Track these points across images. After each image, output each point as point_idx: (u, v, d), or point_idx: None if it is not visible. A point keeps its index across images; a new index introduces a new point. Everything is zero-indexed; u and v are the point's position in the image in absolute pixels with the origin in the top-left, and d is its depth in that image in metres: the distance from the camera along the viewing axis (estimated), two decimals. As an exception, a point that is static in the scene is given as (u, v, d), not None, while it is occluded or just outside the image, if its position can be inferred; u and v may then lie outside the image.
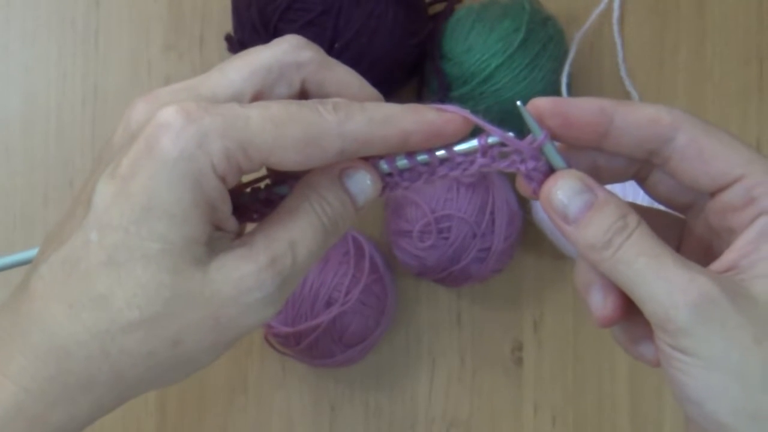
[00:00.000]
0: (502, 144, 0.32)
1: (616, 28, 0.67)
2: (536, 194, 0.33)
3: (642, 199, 0.35)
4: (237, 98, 0.31)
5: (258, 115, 0.29)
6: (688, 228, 0.34)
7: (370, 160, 0.33)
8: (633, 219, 0.31)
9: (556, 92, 0.60)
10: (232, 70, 0.32)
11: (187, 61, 0.66)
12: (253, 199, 0.34)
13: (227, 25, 0.63)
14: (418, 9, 0.61)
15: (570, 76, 0.60)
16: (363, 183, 0.32)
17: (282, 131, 0.29)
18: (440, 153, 0.32)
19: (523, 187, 0.33)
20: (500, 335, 0.66)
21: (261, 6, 0.58)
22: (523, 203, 0.62)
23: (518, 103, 0.31)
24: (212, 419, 0.65)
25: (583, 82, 0.66)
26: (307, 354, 0.60)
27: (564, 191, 0.31)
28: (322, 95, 0.33)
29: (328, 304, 0.58)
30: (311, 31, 0.57)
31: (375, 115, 0.31)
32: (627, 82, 0.67)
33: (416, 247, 0.59)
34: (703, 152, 0.31)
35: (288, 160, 0.30)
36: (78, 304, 0.30)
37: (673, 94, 0.67)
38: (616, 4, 0.67)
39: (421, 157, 0.32)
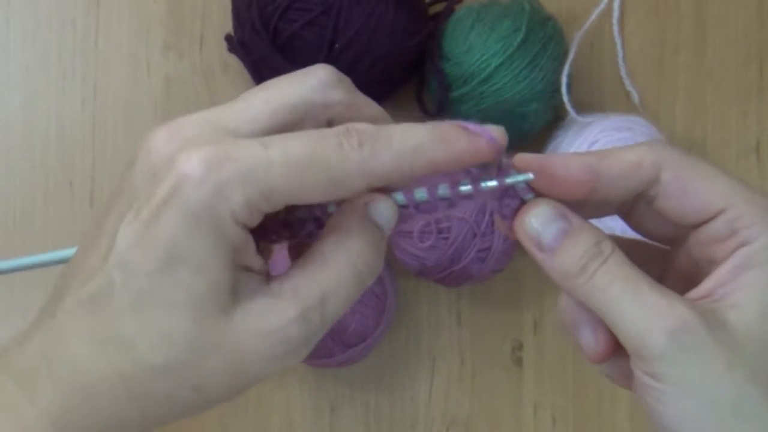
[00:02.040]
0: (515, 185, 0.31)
1: (616, 28, 0.67)
2: (511, 230, 0.32)
3: (622, 231, 0.35)
4: (260, 134, 0.30)
5: (280, 160, 0.28)
6: (670, 259, 0.34)
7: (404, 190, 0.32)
8: (607, 245, 0.30)
9: (556, 92, 0.60)
10: (258, 103, 0.31)
11: (187, 61, 0.66)
12: (276, 222, 0.33)
13: (227, 25, 0.63)
14: (418, 9, 0.61)
15: (570, 76, 0.60)
16: (387, 212, 0.32)
17: (304, 176, 0.28)
18: (465, 189, 0.31)
19: (500, 223, 0.33)
20: (500, 335, 0.66)
21: (261, 6, 0.58)
22: (523, 203, 0.62)
23: (503, 160, 0.31)
24: (212, 419, 0.65)
25: (583, 82, 0.66)
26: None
27: (538, 219, 0.31)
28: None
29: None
30: (311, 31, 0.57)
31: (402, 148, 0.29)
32: (627, 82, 0.67)
33: (416, 247, 0.59)
34: (687, 188, 0.31)
35: (310, 200, 0.30)
36: (105, 343, 0.29)
37: (673, 94, 0.67)
38: (616, 4, 0.66)
39: (442, 192, 0.31)
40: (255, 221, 0.29)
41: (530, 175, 0.31)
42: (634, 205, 0.33)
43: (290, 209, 0.33)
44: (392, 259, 0.63)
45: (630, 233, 0.35)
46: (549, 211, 0.31)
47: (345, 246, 0.31)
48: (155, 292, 0.29)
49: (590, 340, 0.33)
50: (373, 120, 0.31)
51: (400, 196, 0.32)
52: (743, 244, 0.30)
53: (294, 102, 0.31)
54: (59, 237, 0.65)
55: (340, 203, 0.32)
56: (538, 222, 0.31)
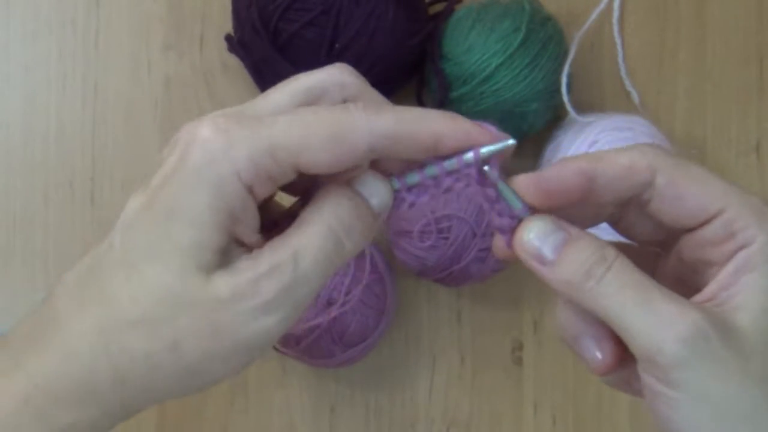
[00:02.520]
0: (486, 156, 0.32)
1: (616, 28, 0.67)
2: (510, 247, 0.33)
3: (610, 238, 0.35)
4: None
5: (284, 118, 0.29)
6: (659, 263, 0.34)
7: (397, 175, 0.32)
8: (610, 251, 0.30)
9: (556, 92, 0.60)
10: (275, 93, 0.32)
11: (187, 61, 0.66)
12: (282, 216, 0.33)
13: (227, 25, 0.63)
14: (418, 9, 0.61)
15: (570, 76, 0.60)
16: (373, 185, 0.32)
17: (308, 130, 0.29)
18: (450, 163, 0.32)
19: (499, 247, 0.33)
20: (500, 335, 0.66)
21: (261, 6, 0.58)
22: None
23: (498, 183, 0.31)
24: (212, 419, 0.65)
25: (583, 82, 0.66)
26: (307, 354, 0.60)
27: (536, 233, 0.31)
28: None
29: (329, 304, 0.58)
30: (311, 31, 0.57)
31: (405, 114, 0.30)
32: (627, 82, 0.67)
33: (416, 247, 0.59)
34: (681, 191, 0.31)
35: (317, 159, 0.29)
36: (89, 302, 0.30)
37: (673, 94, 0.67)
38: (616, 4, 0.67)
39: (431, 171, 0.32)
40: (262, 186, 0.30)
41: (510, 141, 0.31)
42: (623, 212, 0.33)
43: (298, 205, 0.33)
44: (392, 259, 0.63)
45: (618, 239, 0.35)
46: (546, 225, 0.31)
47: (319, 208, 0.31)
48: (147, 245, 0.29)
49: (594, 353, 0.33)
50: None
51: (393, 180, 0.32)
52: (742, 247, 0.30)
53: (310, 85, 0.32)
54: (59, 237, 0.65)
55: None
56: (536, 236, 0.31)
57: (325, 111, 0.30)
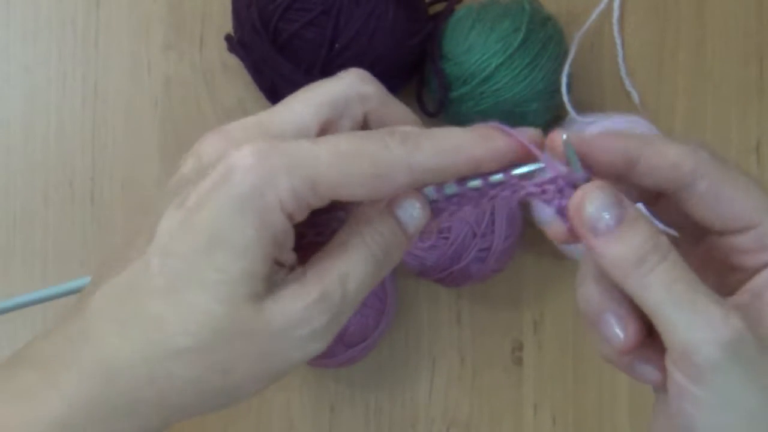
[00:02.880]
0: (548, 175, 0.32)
1: (616, 28, 0.67)
2: (570, 233, 0.32)
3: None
4: (304, 133, 0.32)
5: (327, 152, 0.29)
6: (684, 252, 0.34)
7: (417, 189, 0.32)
8: (665, 241, 0.30)
9: (556, 92, 0.60)
10: (298, 104, 0.32)
11: (187, 61, 0.66)
12: (304, 225, 0.33)
13: (227, 25, 0.63)
14: (418, 9, 0.61)
15: (570, 76, 0.60)
16: (412, 210, 0.32)
17: (350, 168, 0.29)
18: (496, 177, 0.32)
19: (554, 230, 0.33)
20: (500, 335, 0.66)
21: (261, 6, 0.58)
22: (523, 203, 0.62)
23: (564, 136, 0.31)
24: (213, 419, 0.65)
25: (583, 82, 0.66)
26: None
27: (595, 203, 0.31)
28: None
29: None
30: (311, 31, 0.57)
31: (444, 145, 0.30)
32: (627, 82, 0.67)
33: (416, 247, 0.59)
34: (720, 199, 0.31)
35: (357, 194, 0.30)
36: (130, 324, 0.30)
37: (673, 94, 0.67)
38: (616, 4, 0.66)
39: (473, 183, 0.32)
40: (301, 215, 0.30)
41: (542, 164, 0.31)
42: (659, 198, 0.33)
43: (323, 213, 0.33)
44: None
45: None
46: (607, 197, 0.31)
47: (361, 232, 0.31)
48: (190, 273, 0.29)
49: (615, 331, 0.32)
50: (405, 118, 0.33)
51: (431, 192, 0.32)
52: None
53: (332, 98, 0.32)
54: (59, 237, 0.65)
55: (346, 213, 0.33)
56: (594, 206, 0.31)
57: (365, 146, 0.30)
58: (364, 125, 0.33)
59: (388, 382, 0.66)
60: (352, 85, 0.32)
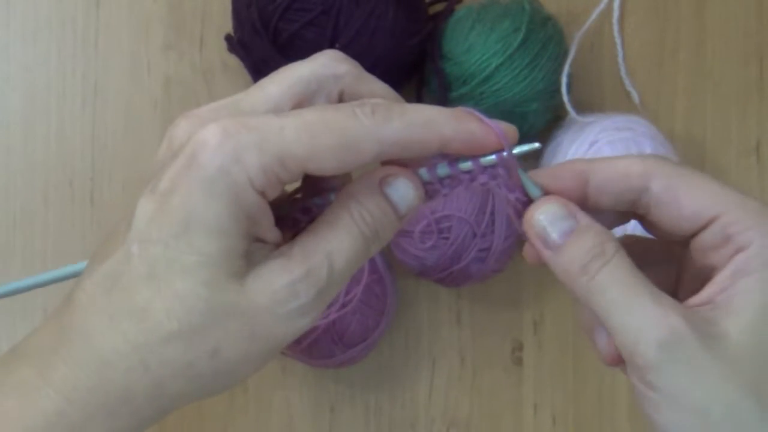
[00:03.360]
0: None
1: (616, 28, 0.67)
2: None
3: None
4: (276, 111, 0.31)
5: (293, 125, 0.29)
6: (685, 261, 0.35)
7: (410, 167, 0.32)
8: (611, 247, 0.31)
9: (556, 92, 0.60)
10: (271, 84, 0.32)
11: (187, 61, 0.66)
12: (295, 209, 0.34)
13: (227, 25, 0.63)
14: (418, 9, 0.61)
15: (570, 76, 0.60)
16: (404, 190, 0.32)
17: (317, 140, 0.29)
18: (487, 160, 0.32)
19: (529, 253, 0.34)
20: (500, 335, 0.66)
21: (261, 6, 0.58)
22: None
23: (519, 171, 0.32)
24: (212, 419, 0.65)
25: (583, 82, 0.66)
26: (307, 354, 0.60)
27: (546, 216, 0.32)
28: None
29: (329, 304, 0.58)
30: (311, 31, 0.57)
31: (414, 119, 0.30)
32: (627, 82, 0.67)
33: (416, 247, 0.59)
34: (677, 197, 0.31)
35: (325, 166, 0.30)
36: (118, 315, 0.30)
37: (673, 94, 0.67)
38: (616, 4, 0.66)
39: (464, 165, 0.32)
40: (273, 190, 0.30)
41: (536, 144, 0.32)
42: (642, 209, 0.33)
43: (312, 197, 0.34)
44: (392, 259, 0.63)
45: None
46: (557, 209, 0.32)
47: (349, 208, 0.31)
48: (171, 259, 0.29)
49: (604, 344, 0.33)
50: (382, 93, 0.33)
51: (424, 173, 0.32)
52: (739, 250, 0.30)
53: (305, 76, 0.32)
54: (59, 237, 0.65)
55: (328, 200, 0.33)
56: (545, 219, 0.32)
57: (333, 117, 0.30)
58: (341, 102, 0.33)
59: (388, 382, 0.66)
60: (325, 64, 0.32)
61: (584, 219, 0.31)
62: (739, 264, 0.30)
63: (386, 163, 0.33)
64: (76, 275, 0.34)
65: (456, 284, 0.62)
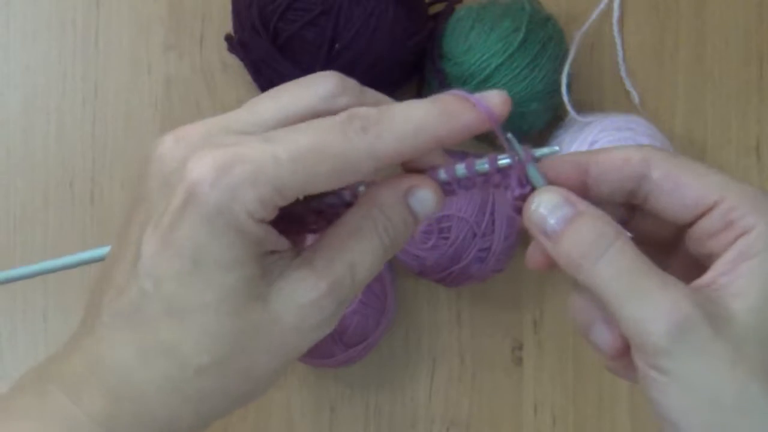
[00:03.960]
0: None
1: (616, 28, 0.67)
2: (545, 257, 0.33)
3: None
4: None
5: (286, 155, 0.29)
6: (667, 263, 0.34)
7: (429, 172, 0.32)
8: (612, 230, 0.30)
9: (556, 92, 0.60)
10: (264, 110, 0.31)
11: (187, 61, 0.66)
12: (307, 210, 0.33)
13: (227, 25, 0.63)
14: (418, 9, 0.61)
15: (570, 76, 0.60)
16: (428, 201, 0.32)
17: (313, 170, 0.29)
18: (503, 162, 0.32)
19: (532, 257, 0.34)
20: (500, 335, 0.66)
21: (261, 6, 0.58)
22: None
23: (508, 135, 0.32)
24: (212, 419, 0.65)
25: (583, 82, 0.66)
26: (307, 354, 0.59)
27: (544, 205, 0.31)
28: None
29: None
30: (311, 31, 0.57)
31: (405, 129, 0.30)
32: (627, 82, 0.67)
33: (416, 247, 0.59)
34: (678, 183, 0.31)
35: (322, 188, 0.30)
36: (149, 351, 0.30)
37: (673, 94, 0.67)
38: (616, 4, 0.66)
39: (481, 167, 0.32)
40: (272, 215, 0.30)
41: (556, 148, 0.32)
42: (631, 214, 0.33)
43: (320, 196, 0.33)
44: (392, 259, 0.63)
45: None
46: (555, 198, 0.31)
47: (374, 218, 0.31)
48: (187, 295, 0.29)
49: (605, 338, 0.33)
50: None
51: (442, 173, 0.32)
52: (741, 235, 0.30)
53: (300, 111, 0.31)
54: (59, 237, 0.65)
55: (354, 192, 0.33)
56: (544, 208, 0.31)
57: (326, 143, 0.29)
58: None
59: (388, 382, 0.66)
60: (323, 99, 0.31)
61: (582, 205, 0.31)
62: (742, 248, 0.30)
63: (409, 168, 0.33)
64: (101, 259, 0.34)
65: (456, 284, 0.62)
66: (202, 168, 0.29)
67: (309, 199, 0.33)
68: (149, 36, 0.66)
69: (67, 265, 0.36)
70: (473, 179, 0.32)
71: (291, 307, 0.30)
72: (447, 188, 0.33)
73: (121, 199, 0.65)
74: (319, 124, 0.30)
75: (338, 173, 0.30)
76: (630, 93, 0.67)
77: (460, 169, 0.32)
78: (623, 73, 0.67)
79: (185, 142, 0.30)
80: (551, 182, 0.32)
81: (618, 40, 0.67)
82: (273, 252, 0.31)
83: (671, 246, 0.34)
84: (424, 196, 0.32)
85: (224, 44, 0.63)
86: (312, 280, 0.30)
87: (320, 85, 0.32)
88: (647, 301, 0.29)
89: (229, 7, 0.62)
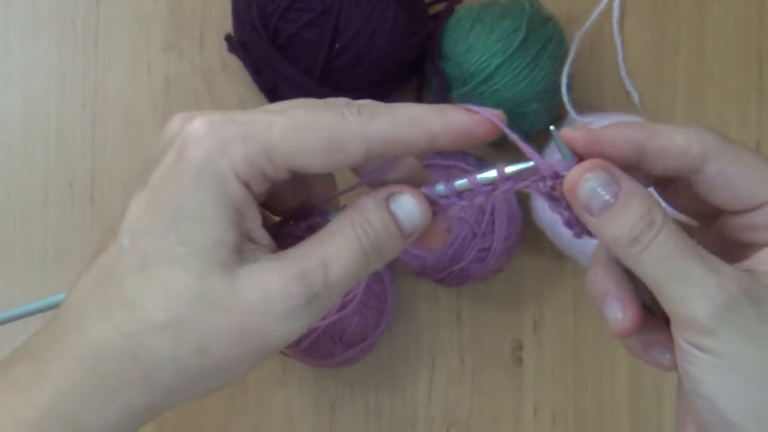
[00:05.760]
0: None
1: (616, 28, 0.67)
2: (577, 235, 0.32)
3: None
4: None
5: (280, 121, 0.29)
6: (700, 236, 0.35)
7: (426, 185, 0.32)
8: (658, 214, 0.30)
9: (556, 92, 0.60)
10: (273, 107, 0.32)
11: (187, 61, 0.66)
12: (299, 227, 0.34)
13: (227, 25, 0.63)
14: (418, 9, 0.61)
15: (570, 76, 0.60)
16: (409, 208, 0.32)
17: (305, 137, 0.29)
18: (510, 170, 0.32)
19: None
20: (500, 335, 0.66)
21: (261, 6, 0.58)
22: (523, 203, 0.62)
23: (551, 127, 0.32)
24: (212, 419, 0.65)
25: (583, 82, 0.66)
26: (307, 354, 0.60)
27: (590, 182, 0.31)
28: None
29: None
30: (311, 31, 0.57)
31: (400, 117, 0.30)
32: (627, 82, 0.67)
33: (417, 248, 0.59)
34: (731, 181, 0.31)
35: (313, 164, 0.30)
36: (110, 306, 0.30)
37: (673, 94, 0.67)
38: (616, 4, 0.66)
39: (483, 177, 0.32)
40: (258, 183, 0.30)
41: (531, 163, 0.31)
42: (671, 182, 0.33)
43: (315, 214, 0.34)
44: (392, 259, 0.63)
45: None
46: (601, 175, 0.31)
47: (352, 221, 0.31)
48: (160, 249, 0.29)
49: (617, 314, 0.33)
50: None
51: (441, 187, 0.32)
52: None
53: None
54: (59, 237, 0.65)
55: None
56: (589, 185, 0.31)
57: (321, 116, 0.30)
58: None
59: (388, 382, 0.66)
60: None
61: (628, 184, 0.31)
62: None
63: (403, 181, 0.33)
64: (56, 306, 0.34)
65: (456, 284, 0.62)
66: (194, 125, 0.29)
67: (304, 215, 0.34)
68: (149, 36, 0.66)
69: (22, 315, 0.37)
70: (477, 190, 0.32)
71: (256, 287, 0.30)
72: (446, 201, 0.33)
73: (121, 199, 0.65)
74: (317, 102, 0.31)
75: (329, 147, 0.30)
76: (630, 93, 0.67)
77: (461, 180, 0.32)
78: (623, 73, 0.67)
79: (189, 115, 0.31)
80: (605, 155, 0.31)
81: (618, 40, 0.67)
82: (252, 241, 0.31)
83: (708, 218, 0.34)
84: (406, 202, 0.32)
85: (224, 44, 0.63)
86: (281, 266, 0.30)
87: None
88: (695, 283, 0.29)
89: (229, 7, 0.62)
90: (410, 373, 0.66)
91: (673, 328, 0.31)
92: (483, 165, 0.60)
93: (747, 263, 0.31)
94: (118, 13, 0.66)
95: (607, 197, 0.30)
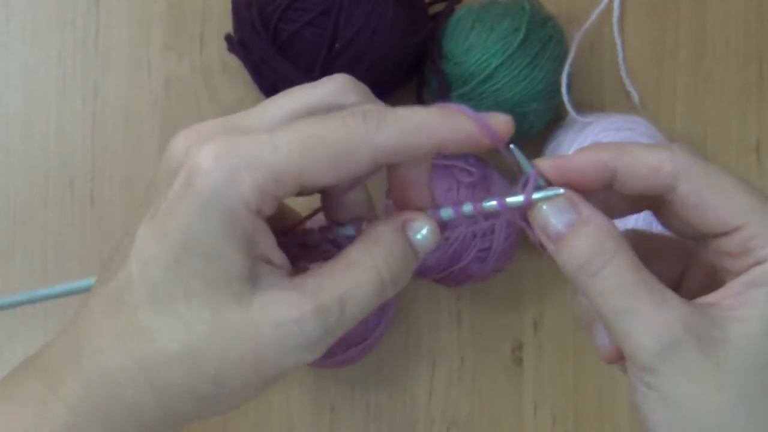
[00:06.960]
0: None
1: (616, 28, 0.67)
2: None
3: (655, 227, 0.35)
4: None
5: (284, 141, 0.29)
6: (694, 256, 0.35)
7: (432, 207, 0.32)
8: (611, 244, 0.30)
9: (556, 92, 0.60)
10: (273, 107, 0.32)
11: (187, 61, 0.66)
12: (323, 240, 0.33)
13: (227, 25, 0.63)
14: (418, 9, 0.61)
15: (570, 76, 0.60)
16: (426, 234, 0.32)
17: (311, 154, 0.29)
18: (513, 201, 0.32)
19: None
20: (500, 335, 0.66)
21: (261, 6, 0.58)
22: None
23: (512, 146, 0.31)
24: (212, 419, 0.65)
25: (583, 82, 0.66)
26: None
27: (548, 208, 0.31)
28: None
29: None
30: (311, 31, 0.57)
31: (407, 124, 0.30)
32: (627, 82, 0.67)
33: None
34: (703, 202, 0.31)
35: (321, 178, 0.30)
36: (124, 336, 0.30)
37: (673, 94, 0.67)
38: (616, 4, 0.67)
39: (488, 204, 0.32)
40: (269, 208, 0.30)
41: (560, 190, 0.31)
42: (663, 204, 0.33)
43: (306, 232, 0.33)
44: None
45: (656, 226, 0.35)
46: (560, 201, 0.31)
47: (371, 252, 0.31)
48: (172, 282, 0.29)
49: (604, 341, 0.33)
50: None
51: (448, 211, 0.32)
52: (757, 263, 0.30)
53: (312, 104, 0.31)
54: (59, 237, 0.65)
55: (359, 228, 0.33)
56: (548, 211, 0.31)
57: (325, 129, 0.29)
58: None
59: (388, 382, 0.66)
60: (333, 93, 0.32)
61: (586, 211, 0.31)
62: (754, 276, 0.30)
63: (402, 204, 0.33)
64: (86, 290, 0.34)
65: (456, 284, 0.62)
66: (202, 154, 0.29)
67: (324, 229, 0.33)
68: (149, 36, 0.66)
69: (53, 295, 0.37)
70: (480, 213, 0.32)
71: (270, 321, 0.30)
72: (451, 222, 0.33)
73: (121, 199, 0.65)
74: (321, 116, 0.30)
75: (335, 160, 0.29)
76: (630, 93, 0.67)
77: (467, 206, 0.32)
78: (623, 73, 0.67)
79: (195, 136, 0.31)
80: (571, 181, 0.31)
81: (618, 40, 0.67)
82: (268, 262, 0.30)
83: (699, 242, 0.34)
84: (422, 230, 0.32)
85: (224, 44, 0.63)
86: (297, 300, 0.30)
87: (331, 83, 0.32)
88: (639, 319, 0.29)
89: (229, 7, 0.62)
90: (410, 373, 0.66)
91: (626, 363, 0.31)
92: (483, 165, 0.60)
93: (712, 295, 0.31)
94: (118, 13, 0.66)
95: (563, 223, 0.31)
